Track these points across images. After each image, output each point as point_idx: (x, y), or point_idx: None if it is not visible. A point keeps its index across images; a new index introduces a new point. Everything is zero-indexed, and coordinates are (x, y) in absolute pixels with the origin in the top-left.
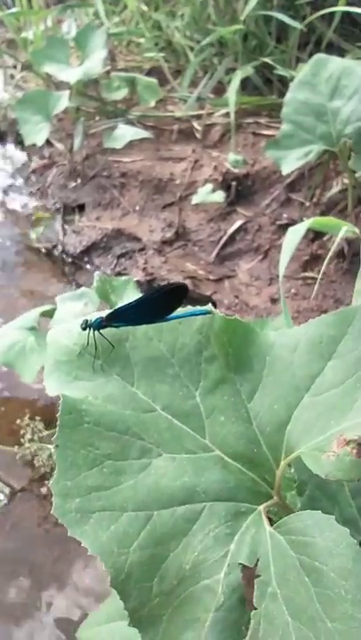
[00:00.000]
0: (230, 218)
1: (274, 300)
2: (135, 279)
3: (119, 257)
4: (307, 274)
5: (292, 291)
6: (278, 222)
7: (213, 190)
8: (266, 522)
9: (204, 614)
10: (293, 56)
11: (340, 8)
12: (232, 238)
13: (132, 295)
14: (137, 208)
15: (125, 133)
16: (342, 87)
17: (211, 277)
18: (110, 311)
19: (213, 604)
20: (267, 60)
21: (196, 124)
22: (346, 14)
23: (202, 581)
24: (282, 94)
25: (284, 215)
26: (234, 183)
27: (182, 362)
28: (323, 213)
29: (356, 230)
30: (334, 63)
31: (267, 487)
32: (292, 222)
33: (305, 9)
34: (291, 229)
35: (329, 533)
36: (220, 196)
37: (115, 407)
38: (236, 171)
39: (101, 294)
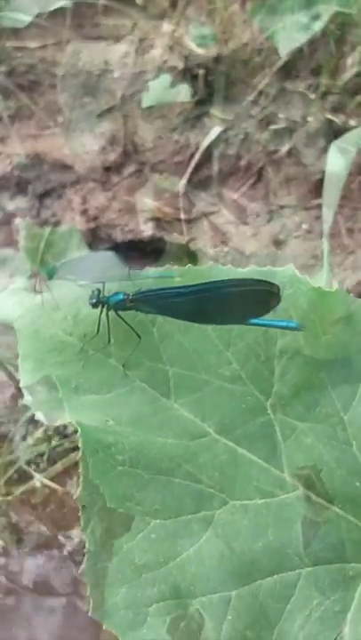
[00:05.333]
0: (202, 124)
1: (279, 243)
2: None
3: (42, 197)
4: (320, 200)
5: (304, 227)
6: (273, 126)
7: (173, 84)
8: None
9: None
10: None
11: None
12: (208, 155)
13: (77, 253)
14: (60, 120)
15: (30, 3)
16: None
17: (183, 217)
18: (144, 291)
19: None
20: None
21: None
22: None
23: None
24: None
25: (281, 115)
26: (202, 71)
27: (244, 356)
28: (336, 109)
29: None
30: None
31: None
32: (294, 125)
33: None
34: (335, 146)
35: None
36: (183, 93)
37: (150, 434)
38: (202, 52)
39: (32, 256)
